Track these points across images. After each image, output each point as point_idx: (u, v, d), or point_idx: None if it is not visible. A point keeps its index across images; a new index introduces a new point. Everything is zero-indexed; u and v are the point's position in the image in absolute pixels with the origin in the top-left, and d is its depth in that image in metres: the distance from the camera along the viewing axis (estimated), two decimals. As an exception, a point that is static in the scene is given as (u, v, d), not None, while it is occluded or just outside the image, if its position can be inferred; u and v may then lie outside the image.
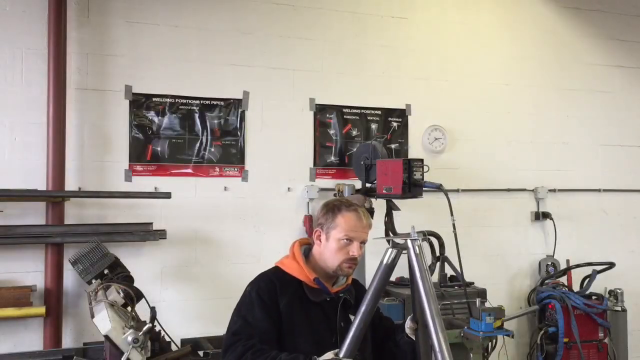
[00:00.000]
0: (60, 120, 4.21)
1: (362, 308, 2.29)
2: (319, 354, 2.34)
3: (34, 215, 4.20)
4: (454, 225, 4.06)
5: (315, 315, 2.58)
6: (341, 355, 2.26)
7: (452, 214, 3.99)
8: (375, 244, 4.69)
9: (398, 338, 2.65)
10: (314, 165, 4.96)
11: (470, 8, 5.51)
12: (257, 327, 2.47)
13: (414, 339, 2.50)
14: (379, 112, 5.16)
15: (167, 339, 3.64)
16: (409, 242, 2.25)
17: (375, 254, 4.82)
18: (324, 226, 2.64)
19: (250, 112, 4.79)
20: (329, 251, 2.60)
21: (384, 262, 2.30)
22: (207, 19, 4.69)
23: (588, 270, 5.33)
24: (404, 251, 2.28)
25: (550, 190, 5.64)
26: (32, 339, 4.16)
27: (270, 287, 2.56)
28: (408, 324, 2.54)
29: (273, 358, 2.36)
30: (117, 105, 4.45)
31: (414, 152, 5.20)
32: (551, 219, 5.58)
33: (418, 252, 2.24)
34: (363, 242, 2.65)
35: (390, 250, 2.30)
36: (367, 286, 2.40)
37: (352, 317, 2.62)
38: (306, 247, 2.74)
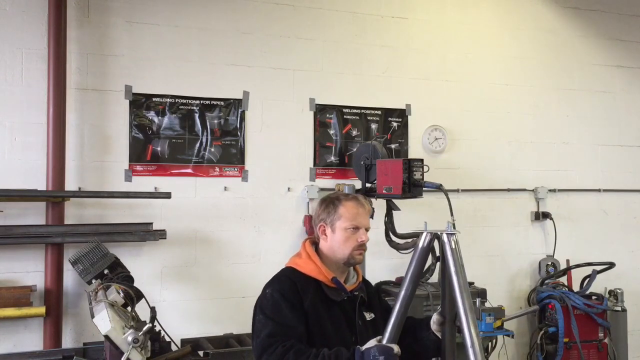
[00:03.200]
0: (60, 120, 4.21)
1: (402, 293, 2.28)
2: None
3: (34, 215, 4.20)
4: (454, 225, 4.05)
5: (336, 315, 2.57)
6: (384, 341, 2.24)
7: (452, 214, 3.99)
8: (377, 244, 4.71)
9: (422, 334, 2.58)
10: (314, 165, 4.96)
11: (470, 8, 5.51)
12: (289, 327, 2.43)
13: (439, 336, 2.45)
14: (379, 112, 5.16)
15: (167, 339, 3.64)
16: (444, 236, 2.24)
17: (375, 254, 4.87)
18: (327, 220, 2.65)
19: (250, 112, 4.79)
20: (337, 243, 2.61)
21: (420, 246, 2.30)
22: (207, 19, 4.69)
23: (588, 270, 5.33)
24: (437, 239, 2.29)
25: (550, 190, 5.64)
26: (32, 339, 4.16)
27: (292, 288, 2.52)
28: (435, 318, 2.48)
29: (316, 355, 2.33)
30: (117, 105, 4.45)
31: (414, 152, 5.20)
32: (551, 219, 5.58)
33: (454, 246, 2.24)
34: (367, 229, 2.65)
35: (425, 233, 2.31)
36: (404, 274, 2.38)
37: (366, 315, 2.65)
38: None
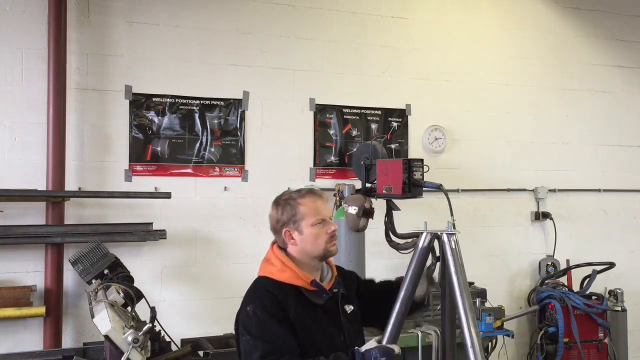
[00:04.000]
0: (60, 120, 4.21)
1: (402, 293, 2.26)
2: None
3: (34, 215, 4.20)
4: (454, 225, 4.05)
5: (321, 318, 2.49)
6: (384, 342, 2.22)
7: (452, 214, 3.99)
8: (377, 244, 4.71)
9: None
10: (314, 165, 4.96)
11: (470, 8, 5.51)
12: (281, 344, 2.32)
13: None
14: (379, 112, 5.16)
15: (167, 339, 3.64)
16: (444, 236, 2.23)
17: (375, 254, 4.86)
18: (289, 223, 2.52)
19: (250, 112, 4.79)
20: (308, 242, 2.49)
21: (420, 246, 2.31)
22: (207, 19, 4.69)
23: (588, 270, 5.33)
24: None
25: (550, 190, 5.64)
26: (32, 339, 4.16)
27: (274, 301, 2.40)
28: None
29: None
30: (117, 105, 4.45)
31: (414, 152, 5.20)
32: (551, 219, 5.58)
33: (454, 246, 2.24)
34: (330, 217, 2.58)
35: (425, 233, 2.31)
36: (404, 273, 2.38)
37: (347, 309, 2.58)
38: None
